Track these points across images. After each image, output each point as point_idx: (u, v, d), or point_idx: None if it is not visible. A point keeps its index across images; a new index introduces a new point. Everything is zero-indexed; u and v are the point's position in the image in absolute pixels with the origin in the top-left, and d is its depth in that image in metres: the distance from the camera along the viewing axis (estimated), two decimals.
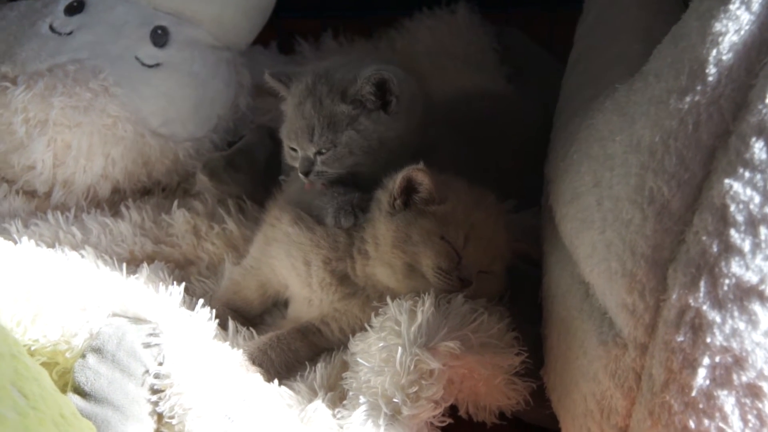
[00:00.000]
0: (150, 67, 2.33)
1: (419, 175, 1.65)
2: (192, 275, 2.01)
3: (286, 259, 1.82)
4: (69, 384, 1.50)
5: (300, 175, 1.84)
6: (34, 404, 1.14)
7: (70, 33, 2.30)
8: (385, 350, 1.54)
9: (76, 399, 1.46)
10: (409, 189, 1.68)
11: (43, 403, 1.16)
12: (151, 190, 2.38)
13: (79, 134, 2.20)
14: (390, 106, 1.81)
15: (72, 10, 2.35)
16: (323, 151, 1.82)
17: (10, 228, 2.05)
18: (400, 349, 1.51)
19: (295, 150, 1.87)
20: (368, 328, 1.64)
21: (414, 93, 1.88)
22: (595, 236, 1.35)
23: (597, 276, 1.34)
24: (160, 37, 2.37)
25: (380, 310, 1.65)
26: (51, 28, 2.31)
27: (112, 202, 2.30)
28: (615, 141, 1.35)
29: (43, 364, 1.51)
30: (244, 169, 2.18)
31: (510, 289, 1.74)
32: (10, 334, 1.24)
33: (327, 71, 1.86)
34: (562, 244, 1.54)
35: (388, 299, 1.64)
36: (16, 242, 1.81)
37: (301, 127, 1.83)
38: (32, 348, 1.53)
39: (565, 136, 1.69)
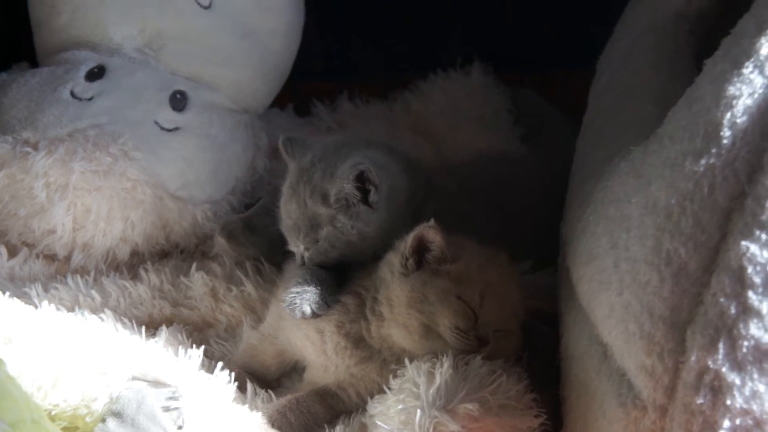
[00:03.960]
0: (169, 131, 2.36)
1: (430, 233, 1.66)
2: (210, 338, 2.01)
3: (298, 332, 1.82)
4: None
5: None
6: None
7: (90, 98, 2.33)
8: (404, 412, 1.53)
9: None
10: (421, 248, 1.68)
11: None
12: (170, 253, 2.39)
13: (99, 198, 2.22)
14: (369, 196, 1.81)
15: (93, 76, 2.38)
16: (308, 247, 1.85)
17: (30, 292, 2.06)
18: (419, 411, 1.49)
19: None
20: (386, 390, 1.63)
21: (396, 176, 1.88)
22: (613, 298, 1.35)
23: (615, 338, 1.34)
24: (179, 101, 2.40)
25: (398, 372, 1.65)
26: (72, 93, 2.34)
27: (131, 265, 2.31)
28: (631, 203, 1.36)
29: (63, 429, 1.52)
30: (261, 231, 2.18)
31: (527, 350, 1.73)
32: (31, 399, 1.25)
33: (309, 167, 1.87)
34: (579, 305, 1.54)
35: (407, 361, 1.63)
36: (36, 306, 1.83)
37: (289, 225, 1.88)
38: (53, 413, 1.53)
39: (581, 197, 1.70)
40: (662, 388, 1.23)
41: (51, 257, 2.32)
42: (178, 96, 2.42)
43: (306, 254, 1.85)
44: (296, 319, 1.77)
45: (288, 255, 1.96)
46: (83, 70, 2.40)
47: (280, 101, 2.83)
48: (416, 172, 1.95)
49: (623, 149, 1.51)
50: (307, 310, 1.75)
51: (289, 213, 1.87)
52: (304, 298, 1.76)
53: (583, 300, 1.51)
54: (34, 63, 2.60)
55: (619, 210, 1.41)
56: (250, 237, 2.19)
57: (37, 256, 2.30)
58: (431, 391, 1.52)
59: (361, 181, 1.79)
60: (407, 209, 1.86)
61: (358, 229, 1.81)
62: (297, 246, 1.87)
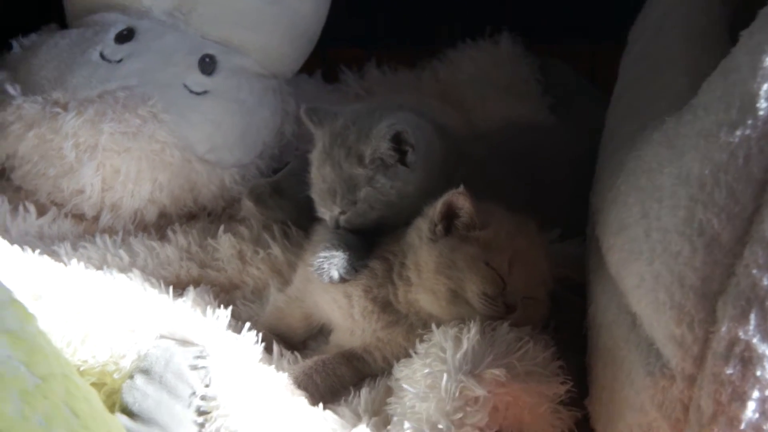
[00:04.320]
0: (198, 94, 2.37)
1: (460, 199, 1.66)
2: (237, 299, 2.02)
3: (325, 295, 1.83)
4: (117, 404, 1.52)
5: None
6: (85, 423, 1.15)
7: (120, 60, 2.34)
8: (430, 376, 1.53)
9: (124, 419, 1.48)
10: (450, 214, 1.68)
11: (93, 423, 1.17)
12: (197, 215, 2.41)
13: (128, 159, 2.24)
14: (407, 157, 1.81)
15: (122, 39, 2.39)
16: (345, 210, 1.84)
17: (59, 250, 2.07)
18: (445, 375, 1.50)
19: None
20: (413, 354, 1.64)
21: (431, 138, 1.89)
22: (643, 267, 1.34)
23: (644, 307, 1.34)
24: (208, 65, 2.41)
25: (425, 336, 1.65)
26: (101, 55, 2.35)
27: (159, 226, 2.32)
28: (663, 173, 1.35)
29: (92, 384, 1.52)
30: (289, 196, 2.19)
31: (554, 317, 1.73)
32: (61, 354, 1.26)
33: (342, 131, 1.87)
34: (608, 274, 1.53)
35: (433, 326, 1.64)
36: (65, 264, 1.84)
37: (324, 190, 1.87)
38: (81, 368, 1.55)
39: (612, 167, 1.69)
40: (691, 357, 1.22)
41: (79, 217, 2.34)
42: (207, 60, 2.42)
43: (343, 218, 1.85)
44: (324, 283, 1.78)
45: (316, 219, 1.97)
46: (113, 33, 2.41)
47: (308, 67, 2.82)
48: (447, 137, 1.95)
49: (655, 120, 1.50)
50: (335, 275, 1.76)
51: (323, 177, 1.87)
52: (332, 263, 1.77)
53: (613, 269, 1.51)
54: (63, 25, 2.60)
55: (651, 180, 1.40)
56: (277, 201, 2.19)
57: (66, 216, 2.32)
58: (458, 355, 1.52)
59: (398, 142, 1.80)
60: (442, 172, 1.86)
61: (398, 188, 1.81)
62: (331, 209, 1.87)
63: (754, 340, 1.13)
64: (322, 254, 1.79)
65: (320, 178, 1.88)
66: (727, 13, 1.84)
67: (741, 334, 1.14)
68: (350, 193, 1.83)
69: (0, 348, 1.06)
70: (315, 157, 1.92)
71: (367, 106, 1.96)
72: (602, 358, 1.54)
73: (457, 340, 1.56)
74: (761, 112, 1.17)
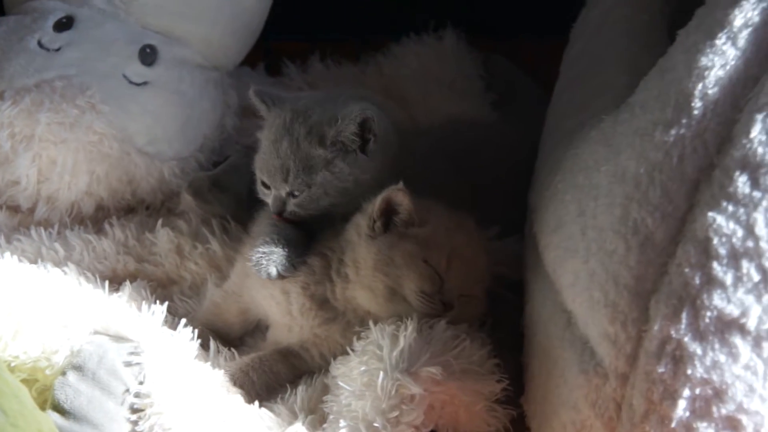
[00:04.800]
0: (137, 85, 2.33)
1: (399, 195, 1.65)
2: (174, 294, 2.00)
3: (263, 291, 1.82)
4: (48, 401, 1.50)
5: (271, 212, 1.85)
6: (14, 421, 1.14)
7: (58, 49, 2.29)
8: (367, 374, 1.54)
9: (56, 416, 1.46)
10: (388, 211, 1.68)
11: (22, 420, 1.16)
12: (135, 209, 2.36)
13: (65, 150, 2.19)
14: (368, 146, 1.81)
15: (61, 27, 2.34)
16: (296, 193, 1.81)
17: None
18: (381, 373, 1.50)
19: (268, 187, 1.86)
20: (350, 352, 1.64)
21: (388, 129, 1.88)
22: (579, 265, 1.36)
23: (579, 305, 1.35)
24: (148, 55, 2.37)
25: (362, 334, 1.65)
26: (39, 43, 2.30)
27: (96, 219, 2.28)
28: (600, 171, 1.37)
29: (22, 380, 1.50)
30: (228, 190, 2.17)
31: (491, 316, 1.74)
32: None
33: (305, 110, 1.84)
34: (545, 272, 1.54)
35: (371, 323, 1.64)
36: None
37: (276, 166, 1.82)
38: (12, 364, 1.53)
39: (550, 164, 1.70)
40: (624, 356, 1.24)
41: (14, 209, 2.28)
42: (148, 50, 2.38)
43: (293, 201, 1.82)
44: (262, 279, 1.77)
45: (256, 212, 1.95)
46: (51, 20, 2.36)
47: (251, 59, 2.79)
48: (399, 132, 1.94)
49: (594, 117, 1.51)
50: (273, 271, 1.74)
51: (278, 152, 1.81)
52: (270, 258, 1.75)
53: (549, 267, 1.52)
54: (0, 11, 2.56)
55: (588, 178, 1.41)
56: (217, 195, 2.17)
57: (0, 207, 2.27)
58: (394, 353, 1.53)
59: (363, 129, 1.79)
60: (394, 166, 1.84)
61: (355, 175, 1.79)
62: (280, 188, 1.82)
63: (686, 339, 1.14)
64: (261, 249, 1.77)
65: (274, 153, 1.83)
66: (667, 12, 1.86)
67: (673, 332, 1.15)
68: (305, 173, 1.79)
69: None
70: (268, 133, 1.87)
71: (325, 94, 1.96)
72: (537, 356, 1.56)
73: (394, 338, 1.56)
74: (695, 112, 1.19)
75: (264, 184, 1.87)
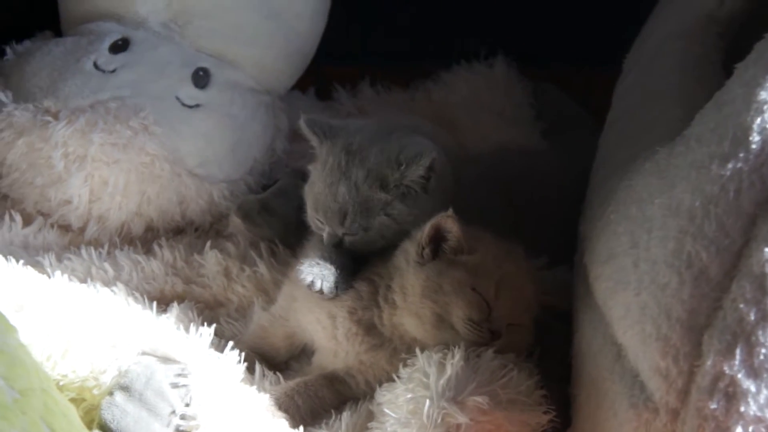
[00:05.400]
0: (190, 107, 2.35)
1: (448, 222, 1.64)
2: (221, 317, 2.01)
3: (309, 315, 1.81)
4: (95, 421, 1.49)
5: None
6: None
7: (113, 71, 2.33)
8: (413, 402, 1.52)
9: None
10: (437, 238, 1.67)
11: None
12: (184, 230, 2.38)
13: (117, 171, 2.22)
14: (429, 184, 1.80)
15: (116, 49, 2.38)
16: (351, 233, 1.81)
17: (43, 261, 2.06)
18: (427, 401, 1.49)
19: (321, 221, 1.85)
20: (396, 379, 1.63)
21: (446, 164, 1.87)
22: (630, 298, 1.34)
23: (630, 338, 1.33)
24: (201, 78, 2.39)
25: (408, 361, 1.64)
26: (95, 65, 2.33)
27: (145, 240, 2.30)
28: (654, 203, 1.35)
29: (70, 399, 1.50)
30: (277, 213, 2.17)
31: (539, 345, 1.72)
32: (41, 368, 1.24)
33: (360, 150, 1.82)
34: (595, 303, 1.52)
35: (417, 351, 1.63)
36: (49, 276, 1.83)
37: (333, 209, 1.81)
38: (61, 383, 1.53)
39: (602, 195, 1.68)
40: (675, 391, 1.22)
41: (65, 228, 2.31)
42: (201, 73, 2.41)
43: (348, 239, 1.81)
44: (309, 301, 1.77)
45: (304, 238, 1.95)
46: (107, 42, 2.39)
47: (301, 84, 2.81)
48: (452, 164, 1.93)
49: (648, 149, 1.49)
50: (318, 285, 1.74)
51: (334, 196, 1.80)
52: (322, 276, 1.75)
53: (600, 299, 1.50)
54: (58, 32, 2.59)
55: (641, 210, 1.39)
56: (266, 218, 2.17)
57: (52, 226, 2.30)
58: (441, 381, 1.51)
59: (428, 170, 1.77)
60: (446, 197, 1.83)
61: (414, 215, 1.78)
62: (336, 230, 1.82)
63: (739, 376, 1.12)
64: (313, 266, 1.77)
65: (330, 196, 1.81)
66: (722, 45, 1.84)
67: (726, 368, 1.13)
68: (363, 218, 1.78)
69: None
70: (322, 172, 1.85)
71: (377, 126, 1.93)
72: (586, 388, 1.54)
73: (441, 366, 1.55)
74: (754, 146, 1.16)
75: (318, 219, 1.86)
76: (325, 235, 1.84)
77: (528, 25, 2.96)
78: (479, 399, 1.48)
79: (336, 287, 1.75)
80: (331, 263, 1.78)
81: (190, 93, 2.38)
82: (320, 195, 1.83)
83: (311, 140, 1.89)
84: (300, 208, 1.96)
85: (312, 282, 1.75)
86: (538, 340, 1.72)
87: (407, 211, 1.79)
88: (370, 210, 1.78)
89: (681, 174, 1.29)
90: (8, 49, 2.48)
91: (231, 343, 1.71)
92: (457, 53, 2.95)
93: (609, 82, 2.15)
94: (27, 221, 2.30)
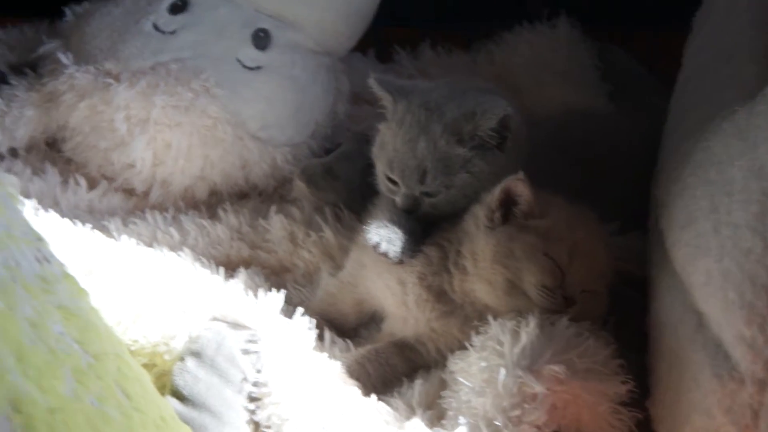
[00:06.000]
0: (251, 69, 2.33)
1: (519, 186, 1.62)
2: (287, 282, 1.99)
3: (378, 281, 1.79)
4: (167, 387, 1.50)
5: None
6: (137, 405, 1.13)
7: (173, 32, 2.32)
8: (487, 371, 1.50)
9: (174, 402, 1.46)
10: (508, 202, 1.64)
11: (145, 405, 1.16)
12: (248, 194, 2.37)
13: (179, 134, 2.22)
14: (506, 143, 1.76)
15: (176, 9, 2.37)
16: (432, 193, 1.77)
17: (109, 226, 2.06)
18: (502, 370, 1.46)
19: (394, 182, 1.81)
20: (468, 347, 1.60)
21: (520, 125, 1.83)
22: (711, 264, 1.30)
23: (712, 306, 1.29)
24: (261, 39, 2.37)
25: (481, 329, 1.61)
26: (155, 26, 2.33)
27: (209, 204, 2.30)
28: (734, 165, 1.31)
29: (142, 365, 1.50)
30: (341, 177, 2.15)
31: (614, 313, 1.69)
32: (113, 332, 1.24)
33: (438, 105, 1.78)
34: (673, 270, 1.48)
35: (490, 318, 1.60)
36: (116, 240, 1.83)
37: (411, 166, 1.76)
38: (132, 348, 1.53)
39: (677, 158, 1.64)
40: (762, 360, 1.18)
41: (130, 191, 2.33)
42: (261, 34, 2.39)
43: (428, 200, 1.77)
44: (378, 266, 1.76)
45: (369, 202, 1.93)
46: (166, 2, 2.39)
47: (361, 46, 2.77)
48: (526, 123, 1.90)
49: (724, 109, 1.45)
50: (383, 247, 1.72)
51: (413, 152, 1.76)
52: (390, 240, 1.73)
53: (678, 265, 1.46)
54: None
55: (720, 173, 1.35)
56: (330, 182, 2.15)
57: (116, 190, 2.31)
58: (516, 350, 1.49)
59: (503, 126, 1.74)
60: (525, 152, 1.81)
61: (492, 174, 1.73)
62: (413, 189, 1.78)
63: None
64: (381, 231, 1.74)
65: (409, 152, 1.77)
66: None
67: None
68: (444, 174, 1.75)
69: (53, 324, 1.03)
70: (399, 130, 1.80)
71: (450, 86, 1.89)
72: (666, 359, 1.50)
73: (515, 334, 1.52)
74: None
75: (390, 180, 1.82)
76: (400, 197, 1.80)
77: None
78: (556, 368, 1.45)
79: (402, 252, 1.72)
80: (399, 227, 1.75)
81: (250, 54, 2.36)
82: (397, 153, 1.79)
83: (383, 98, 1.85)
84: (364, 171, 1.94)
85: (378, 243, 1.72)
86: (613, 308, 1.69)
87: (487, 168, 1.75)
88: (450, 167, 1.75)
89: (763, 134, 1.25)
90: (67, 11, 2.49)
91: (301, 309, 1.70)
92: (519, 14, 2.90)
93: (677, 43, 2.10)
94: (92, 185, 2.31)
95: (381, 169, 1.84)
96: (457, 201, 1.77)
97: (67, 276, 1.14)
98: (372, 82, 1.86)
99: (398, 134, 1.79)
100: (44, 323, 1.00)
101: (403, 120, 1.80)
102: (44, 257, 1.10)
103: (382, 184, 1.85)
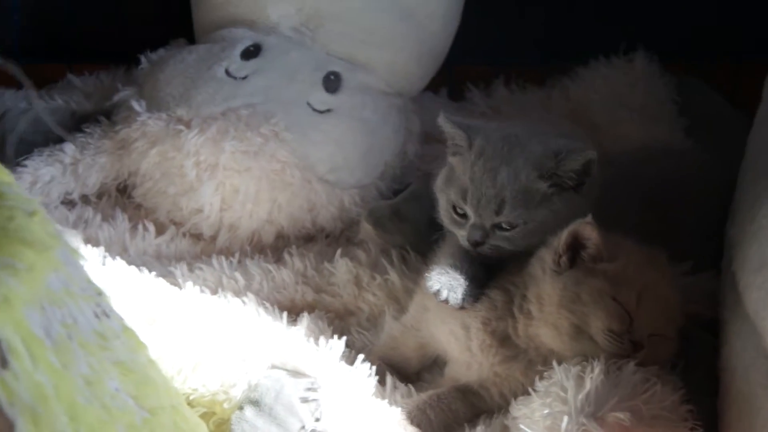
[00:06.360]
0: (321, 112, 2.34)
1: (587, 229, 1.57)
2: (351, 326, 1.98)
3: (442, 325, 1.76)
4: None
5: (465, 243, 1.76)
6: None
7: (245, 77, 2.34)
8: (550, 417, 1.46)
9: None
10: (575, 245, 1.60)
11: None
12: (315, 237, 2.37)
13: (248, 179, 2.23)
14: (584, 186, 1.73)
15: (248, 55, 2.40)
16: (506, 226, 1.73)
17: (175, 271, 2.07)
18: (565, 417, 1.42)
19: (461, 215, 1.77)
20: (532, 392, 1.57)
21: (599, 170, 1.78)
22: None
23: None
24: (332, 82, 2.39)
25: (545, 374, 1.57)
26: (227, 72, 2.36)
27: (276, 247, 2.29)
28: None
29: (201, 414, 1.52)
30: (408, 219, 2.13)
31: (684, 357, 1.63)
32: (171, 384, 1.24)
33: (519, 140, 1.76)
34: (745, 313, 1.44)
35: (554, 364, 1.56)
36: (180, 287, 1.85)
37: (488, 195, 1.72)
38: (191, 397, 1.54)
39: (752, 198, 1.59)
40: None
41: (197, 236, 2.34)
42: (332, 77, 2.40)
43: (499, 234, 1.73)
44: (442, 311, 1.72)
45: (436, 244, 1.89)
46: (239, 48, 2.42)
47: (433, 84, 2.77)
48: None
49: None
50: (444, 294, 1.69)
51: (493, 182, 1.72)
52: (448, 284, 1.70)
53: (751, 309, 1.41)
54: (191, 40, 2.63)
55: None
56: (397, 224, 2.14)
57: (184, 235, 2.33)
58: (580, 396, 1.44)
59: (585, 169, 1.72)
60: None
61: (569, 215, 1.67)
62: (486, 220, 1.73)
63: None
64: (442, 276, 1.72)
65: (488, 181, 1.73)
66: None
67: None
68: (524, 207, 1.71)
69: (109, 380, 1.03)
70: (477, 160, 1.76)
71: (528, 127, 1.88)
72: (736, 405, 1.45)
73: (580, 380, 1.48)
74: None
75: (457, 213, 1.78)
76: (467, 230, 1.75)
77: (669, 15, 2.86)
78: (620, 415, 1.40)
79: (464, 299, 1.69)
80: (461, 272, 1.72)
81: (321, 98, 2.37)
82: (473, 183, 1.75)
83: (455, 136, 1.81)
84: (432, 212, 1.91)
85: (439, 291, 1.70)
86: (684, 351, 1.63)
87: (564, 209, 1.71)
88: (530, 201, 1.71)
89: None
90: (143, 58, 2.53)
91: (362, 356, 1.69)
92: (594, 49, 2.86)
93: (760, 74, 2.03)
94: (160, 231, 2.34)
95: (449, 201, 1.80)
96: (532, 236, 1.72)
97: (126, 330, 1.14)
98: (442, 121, 1.83)
99: (476, 164, 1.75)
100: (100, 380, 1.00)
101: (482, 151, 1.76)
102: (103, 312, 1.10)
103: (448, 217, 1.81)
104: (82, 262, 1.12)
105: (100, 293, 1.12)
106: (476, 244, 1.74)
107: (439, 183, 1.85)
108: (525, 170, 1.72)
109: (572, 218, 1.64)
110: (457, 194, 1.77)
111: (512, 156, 1.73)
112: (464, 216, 1.77)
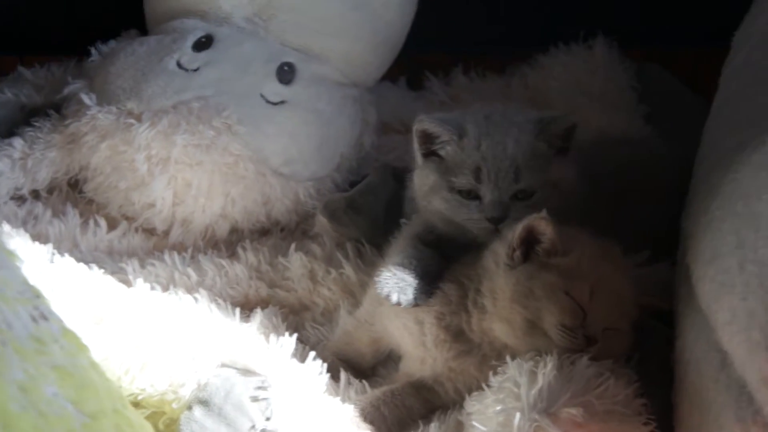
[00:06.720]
0: (275, 104, 2.33)
1: (542, 224, 1.56)
2: (306, 321, 1.96)
3: (396, 320, 1.75)
4: None
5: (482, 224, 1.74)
6: None
7: (196, 69, 2.32)
8: (503, 413, 1.45)
9: None
10: (529, 240, 1.59)
11: None
12: (269, 231, 2.35)
13: (200, 173, 2.22)
14: (568, 153, 1.78)
15: (200, 46, 2.37)
16: (523, 196, 1.73)
17: (126, 268, 2.05)
18: (518, 414, 1.41)
19: (466, 196, 1.75)
20: (485, 387, 1.56)
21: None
22: (736, 302, 1.24)
23: (736, 346, 1.24)
24: (286, 73, 2.37)
25: (499, 369, 1.56)
26: (178, 64, 2.33)
27: (229, 242, 2.28)
28: (762, 200, 1.26)
29: (150, 414, 1.51)
30: (364, 211, 2.13)
31: (639, 349, 1.62)
32: (114, 387, 1.22)
33: (505, 116, 1.81)
34: (698, 306, 1.43)
35: (508, 359, 1.55)
36: (131, 283, 1.83)
37: (504, 167, 1.72)
38: (139, 397, 1.52)
39: (707, 188, 1.58)
40: None
41: (150, 232, 2.32)
42: (286, 68, 2.39)
43: (520, 204, 1.72)
44: (395, 306, 1.70)
45: (391, 236, 1.88)
46: (191, 40, 2.40)
47: (391, 74, 2.76)
48: None
49: (756, 139, 1.40)
50: (395, 298, 1.67)
51: (504, 153, 1.73)
52: (396, 286, 1.68)
53: (703, 302, 1.41)
54: (143, 31, 2.59)
55: (748, 206, 1.31)
56: (353, 217, 2.13)
57: (136, 230, 2.31)
58: (533, 392, 1.44)
59: (569, 134, 1.78)
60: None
61: (572, 176, 1.77)
62: (504, 192, 1.72)
63: None
64: (391, 274, 1.70)
65: (500, 155, 1.73)
66: None
67: None
68: (538, 169, 1.73)
69: (47, 385, 1.01)
70: (483, 140, 1.76)
71: (496, 108, 1.89)
72: (689, 398, 1.44)
73: (533, 375, 1.47)
74: None
75: (462, 194, 1.76)
76: (482, 209, 1.74)
77: (628, 3, 2.87)
78: (573, 410, 1.39)
79: (415, 297, 1.68)
80: (411, 270, 1.70)
81: (275, 89, 2.35)
82: (485, 160, 1.74)
83: (442, 134, 1.80)
84: (388, 204, 1.90)
85: (389, 294, 1.68)
86: (638, 343, 1.63)
87: (564, 169, 1.77)
88: (540, 164, 1.74)
89: None
90: (93, 50, 2.50)
91: (313, 354, 1.68)
92: (554, 36, 2.85)
93: (719, 62, 2.03)
94: (112, 226, 2.32)
95: (453, 189, 1.77)
96: (552, 200, 1.71)
97: (67, 332, 1.12)
98: (425, 124, 1.80)
99: (483, 142, 1.76)
100: (36, 386, 0.99)
101: (481, 131, 1.78)
102: (41, 315, 1.08)
103: (453, 201, 1.78)
104: (19, 264, 1.10)
105: (38, 296, 1.11)
106: (496, 221, 1.72)
107: (429, 181, 1.82)
108: (523, 137, 1.74)
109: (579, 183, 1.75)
110: (467, 177, 1.75)
111: (507, 128, 1.76)
112: (474, 198, 1.75)
